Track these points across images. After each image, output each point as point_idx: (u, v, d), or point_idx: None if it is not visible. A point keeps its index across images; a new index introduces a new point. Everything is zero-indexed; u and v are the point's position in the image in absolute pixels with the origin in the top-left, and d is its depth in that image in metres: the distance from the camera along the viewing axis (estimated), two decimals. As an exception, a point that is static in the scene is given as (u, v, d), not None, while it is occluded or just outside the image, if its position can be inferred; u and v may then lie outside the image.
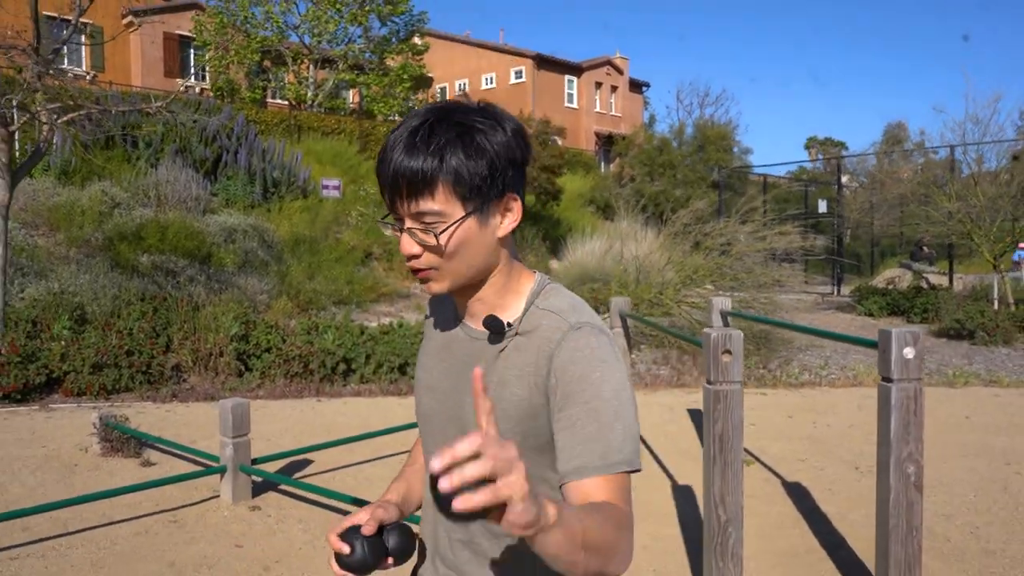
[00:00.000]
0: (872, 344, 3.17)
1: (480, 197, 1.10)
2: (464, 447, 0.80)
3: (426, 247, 1.12)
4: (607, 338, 1.14)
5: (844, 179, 28.24)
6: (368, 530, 1.17)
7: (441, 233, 1.10)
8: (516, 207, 1.15)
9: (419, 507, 1.39)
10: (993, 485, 4.96)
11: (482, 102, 1.17)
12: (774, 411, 7.26)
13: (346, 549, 1.15)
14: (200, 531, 4.08)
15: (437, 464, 0.80)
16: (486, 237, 1.13)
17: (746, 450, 5.83)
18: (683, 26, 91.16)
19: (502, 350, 1.17)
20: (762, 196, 22.14)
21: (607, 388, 1.09)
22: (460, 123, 1.09)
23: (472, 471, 0.79)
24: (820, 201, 23.57)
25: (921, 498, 3.07)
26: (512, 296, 1.20)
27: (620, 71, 37.85)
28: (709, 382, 3.08)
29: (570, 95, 35.96)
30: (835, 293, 19.18)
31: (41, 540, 3.90)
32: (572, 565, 0.95)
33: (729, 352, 3.02)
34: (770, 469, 5.34)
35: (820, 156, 45.25)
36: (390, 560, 1.20)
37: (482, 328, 1.20)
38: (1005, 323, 12.13)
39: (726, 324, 5.22)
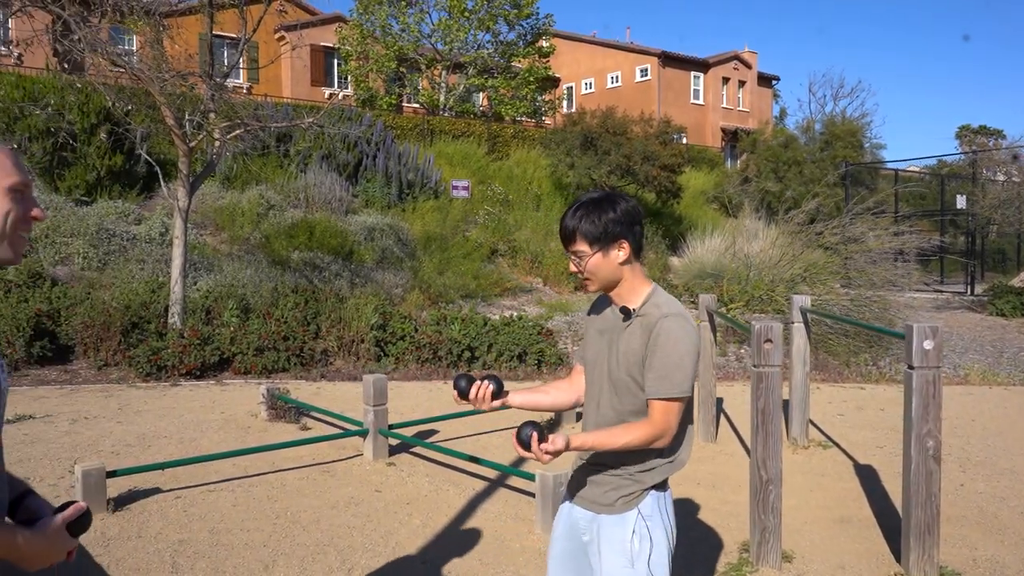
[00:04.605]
0: (900, 336, 3.72)
1: (599, 243, 2.02)
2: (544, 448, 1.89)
3: (579, 268, 2.07)
4: (683, 319, 2.01)
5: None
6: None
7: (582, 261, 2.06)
8: (626, 247, 2.03)
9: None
10: (1063, 475, 5.25)
11: (610, 191, 2.14)
12: (868, 403, 7.61)
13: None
14: (348, 479, 5.05)
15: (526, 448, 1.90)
16: (609, 263, 2.03)
17: (826, 435, 6.31)
18: (818, 15, 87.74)
19: (629, 324, 2.07)
20: (892, 191, 21.65)
21: (672, 350, 1.99)
22: (589, 204, 2.04)
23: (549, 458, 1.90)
24: (958, 196, 22.59)
25: (939, 469, 3.59)
26: (635, 295, 2.08)
27: (748, 65, 37.36)
28: (755, 365, 3.71)
29: (696, 91, 35.82)
30: (968, 292, 18.60)
31: (228, 480, 4.99)
32: (605, 446, 1.97)
33: (770, 341, 3.65)
34: (846, 453, 5.81)
35: (956, 149, 42.63)
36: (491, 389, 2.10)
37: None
38: None
39: (805, 320, 5.72)
